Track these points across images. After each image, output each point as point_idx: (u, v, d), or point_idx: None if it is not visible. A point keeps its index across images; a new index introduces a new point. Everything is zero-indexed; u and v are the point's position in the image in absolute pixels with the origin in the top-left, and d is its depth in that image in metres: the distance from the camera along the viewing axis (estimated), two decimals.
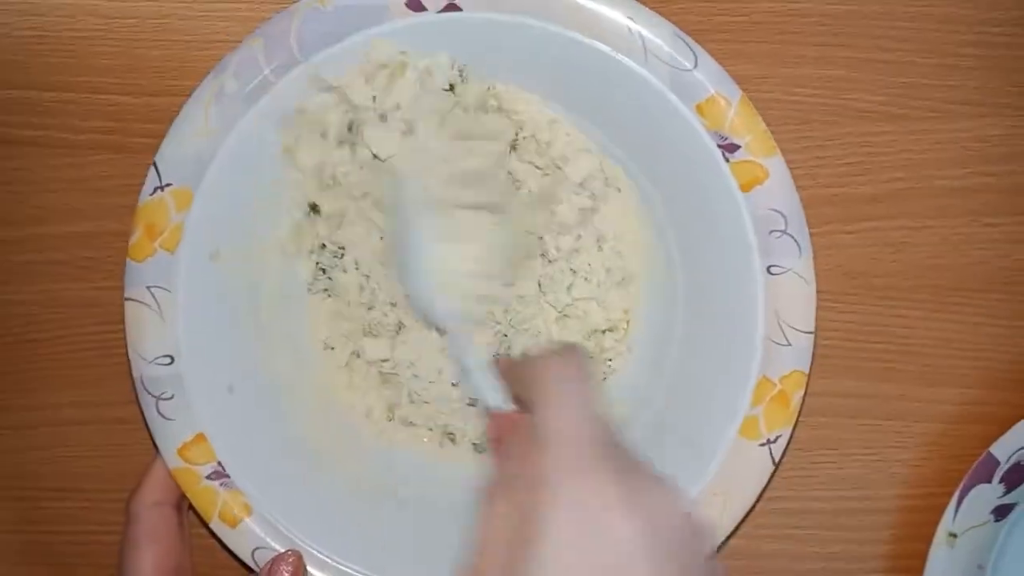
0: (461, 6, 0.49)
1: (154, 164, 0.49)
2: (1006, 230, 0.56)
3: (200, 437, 0.50)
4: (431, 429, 0.56)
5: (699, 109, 0.49)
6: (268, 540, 0.50)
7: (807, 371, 0.49)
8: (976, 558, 0.53)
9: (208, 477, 0.50)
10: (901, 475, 0.56)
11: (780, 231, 0.49)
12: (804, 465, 0.56)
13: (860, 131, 0.56)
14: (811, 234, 0.55)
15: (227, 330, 0.52)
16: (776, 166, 0.49)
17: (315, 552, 0.50)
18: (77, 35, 0.56)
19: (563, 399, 0.38)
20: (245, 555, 0.50)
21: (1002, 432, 0.53)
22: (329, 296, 0.55)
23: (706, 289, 0.52)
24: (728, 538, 0.50)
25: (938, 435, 0.56)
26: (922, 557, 0.54)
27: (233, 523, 0.50)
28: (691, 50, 0.49)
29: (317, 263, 0.55)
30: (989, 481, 0.53)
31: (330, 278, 0.55)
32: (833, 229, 0.56)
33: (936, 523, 0.53)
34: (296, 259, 0.54)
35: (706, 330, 0.52)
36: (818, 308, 0.55)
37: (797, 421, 0.49)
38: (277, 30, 0.49)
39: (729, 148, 0.49)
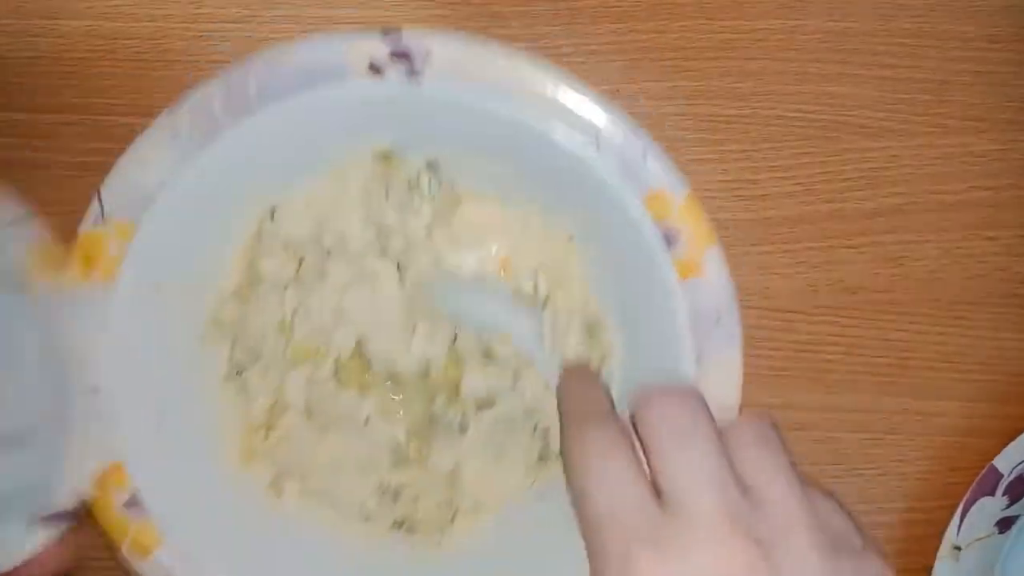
0: (421, 75, 0.49)
1: (98, 195, 0.49)
2: (1006, 244, 0.56)
3: (116, 466, 0.49)
4: (330, 507, 0.55)
5: (646, 200, 0.49)
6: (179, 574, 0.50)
7: None
8: (980, 571, 0.54)
9: (123, 506, 0.49)
10: (903, 489, 0.56)
11: (713, 322, 0.50)
12: None
13: (860, 147, 0.56)
14: (813, 249, 0.56)
15: (157, 363, 0.52)
16: (713, 259, 0.49)
17: None
18: (77, 56, 0.56)
19: (689, 456, 0.33)
20: None
21: (1004, 445, 0.53)
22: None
23: (638, 375, 0.53)
24: None
25: (940, 448, 0.56)
26: (926, 571, 0.54)
27: (144, 554, 0.49)
28: (642, 143, 0.49)
29: (232, 356, 0.55)
30: (992, 494, 0.53)
31: (240, 374, 0.55)
32: (834, 244, 0.56)
33: (939, 536, 0.54)
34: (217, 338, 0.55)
35: None
36: (819, 323, 0.56)
37: None
38: (235, 78, 0.49)
39: (671, 239, 0.50)
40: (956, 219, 0.56)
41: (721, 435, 0.35)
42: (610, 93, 0.56)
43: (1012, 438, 0.53)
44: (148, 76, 0.56)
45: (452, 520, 0.55)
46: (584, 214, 0.53)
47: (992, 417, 0.56)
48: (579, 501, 0.34)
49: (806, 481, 0.35)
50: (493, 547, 0.55)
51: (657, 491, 0.33)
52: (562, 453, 0.36)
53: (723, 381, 0.50)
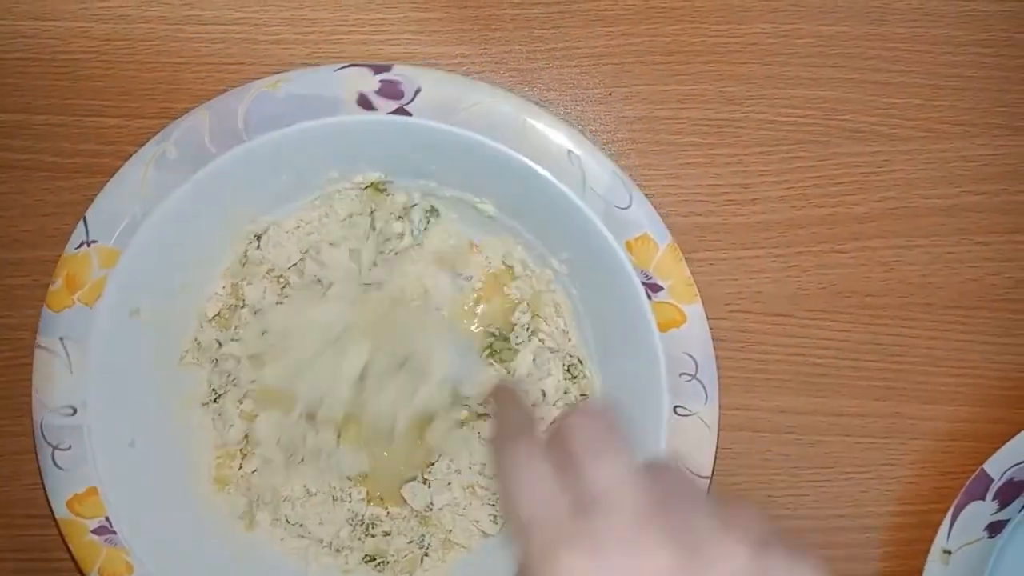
0: (411, 112, 0.50)
1: (84, 219, 0.50)
2: (997, 248, 0.56)
3: (91, 491, 0.50)
4: (302, 536, 0.56)
5: (628, 246, 0.50)
6: None
7: None
8: (970, 575, 0.54)
9: (94, 531, 0.50)
10: (895, 492, 0.56)
11: (690, 375, 0.51)
12: (798, 483, 0.56)
13: (852, 151, 0.56)
14: (804, 253, 0.56)
15: (137, 384, 0.53)
16: (694, 313, 0.51)
17: None
18: (69, 57, 0.56)
19: (603, 464, 0.35)
20: None
21: (994, 449, 0.53)
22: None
23: None
24: None
25: (931, 452, 0.56)
26: (917, 574, 0.54)
27: None
28: (627, 190, 0.50)
29: (210, 382, 0.56)
30: (983, 498, 0.53)
31: (217, 401, 0.56)
32: (825, 248, 0.56)
33: (930, 540, 0.54)
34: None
35: None
36: (811, 327, 0.56)
37: None
38: (225, 107, 0.50)
39: (652, 288, 0.51)
40: (948, 224, 0.57)
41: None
42: (602, 96, 0.56)
43: (1003, 442, 0.53)
44: (140, 78, 0.56)
45: (422, 560, 0.55)
46: (568, 254, 0.53)
47: (983, 421, 0.56)
48: (506, 510, 0.36)
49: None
50: None
51: (579, 498, 0.34)
52: (492, 469, 0.37)
53: (697, 437, 0.51)
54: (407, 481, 0.55)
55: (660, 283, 0.50)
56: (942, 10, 0.57)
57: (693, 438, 0.51)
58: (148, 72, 0.56)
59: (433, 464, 0.55)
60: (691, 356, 0.50)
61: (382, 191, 0.54)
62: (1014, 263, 0.56)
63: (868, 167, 0.56)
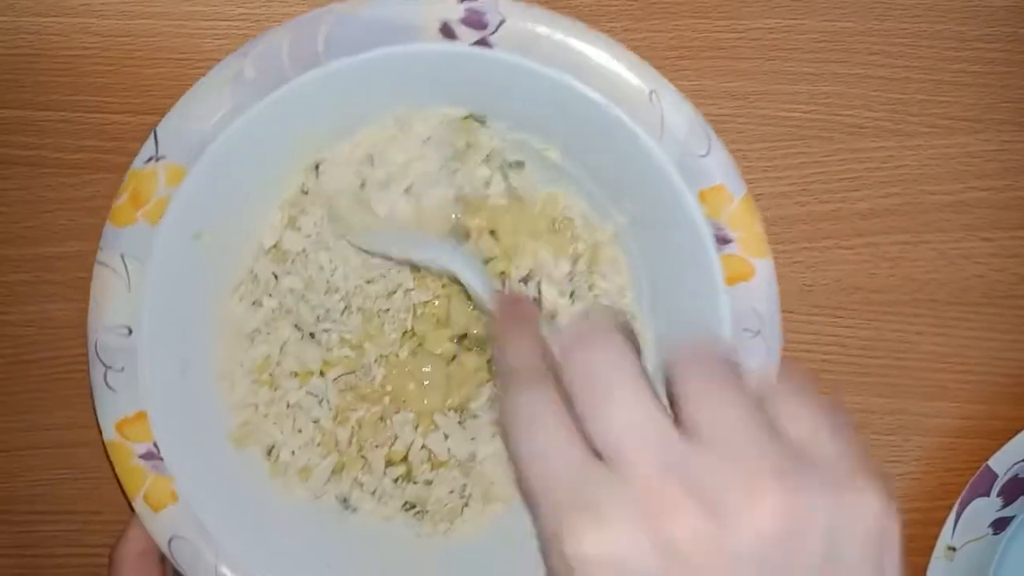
0: (493, 43, 0.49)
1: (154, 134, 0.48)
2: (1002, 244, 0.56)
3: (141, 415, 0.49)
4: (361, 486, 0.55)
5: (701, 195, 0.49)
6: (188, 532, 0.49)
7: None
8: (975, 571, 0.54)
9: (141, 456, 0.49)
10: (899, 489, 0.56)
11: (754, 332, 0.49)
12: None
13: (856, 147, 0.56)
14: (809, 249, 0.56)
15: (192, 312, 0.51)
16: (764, 268, 0.49)
17: (234, 554, 0.49)
18: (71, 54, 0.56)
19: (614, 407, 0.30)
20: (162, 541, 0.49)
21: (999, 445, 0.53)
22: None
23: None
24: None
25: (936, 449, 0.56)
26: (921, 571, 0.54)
27: (156, 508, 0.49)
28: (706, 137, 0.48)
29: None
30: (987, 494, 0.53)
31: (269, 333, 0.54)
32: (830, 244, 0.56)
33: (935, 537, 0.54)
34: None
35: None
36: (816, 323, 0.56)
37: None
38: (307, 27, 0.48)
39: (722, 240, 0.49)
40: (952, 220, 0.56)
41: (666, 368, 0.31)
42: None
43: (1007, 439, 0.53)
44: (141, 74, 0.56)
45: (463, 510, 0.55)
46: (632, 204, 0.52)
47: (987, 418, 0.56)
48: (515, 472, 0.31)
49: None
50: (500, 541, 0.54)
51: (595, 449, 0.29)
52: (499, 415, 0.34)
53: None
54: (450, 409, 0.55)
55: (730, 235, 0.49)
56: (946, 5, 0.56)
57: None
58: (150, 68, 0.56)
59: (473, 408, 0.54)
60: (757, 312, 0.49)
61: (481, 122, 0.52)
62: (1019, 259, 0.56)
63: (872, 163, 0.56)
